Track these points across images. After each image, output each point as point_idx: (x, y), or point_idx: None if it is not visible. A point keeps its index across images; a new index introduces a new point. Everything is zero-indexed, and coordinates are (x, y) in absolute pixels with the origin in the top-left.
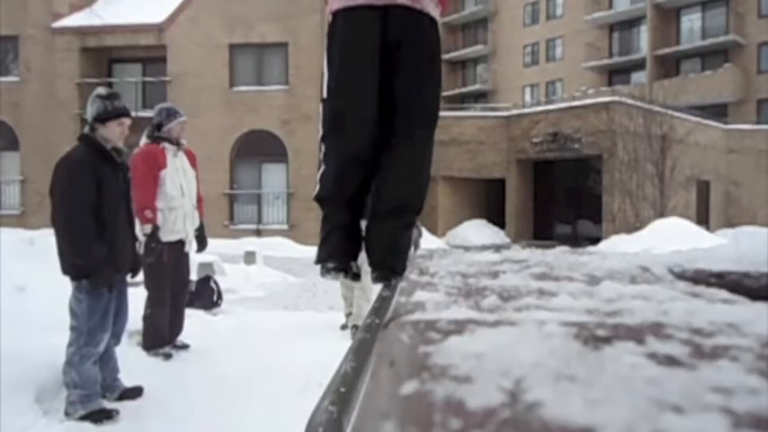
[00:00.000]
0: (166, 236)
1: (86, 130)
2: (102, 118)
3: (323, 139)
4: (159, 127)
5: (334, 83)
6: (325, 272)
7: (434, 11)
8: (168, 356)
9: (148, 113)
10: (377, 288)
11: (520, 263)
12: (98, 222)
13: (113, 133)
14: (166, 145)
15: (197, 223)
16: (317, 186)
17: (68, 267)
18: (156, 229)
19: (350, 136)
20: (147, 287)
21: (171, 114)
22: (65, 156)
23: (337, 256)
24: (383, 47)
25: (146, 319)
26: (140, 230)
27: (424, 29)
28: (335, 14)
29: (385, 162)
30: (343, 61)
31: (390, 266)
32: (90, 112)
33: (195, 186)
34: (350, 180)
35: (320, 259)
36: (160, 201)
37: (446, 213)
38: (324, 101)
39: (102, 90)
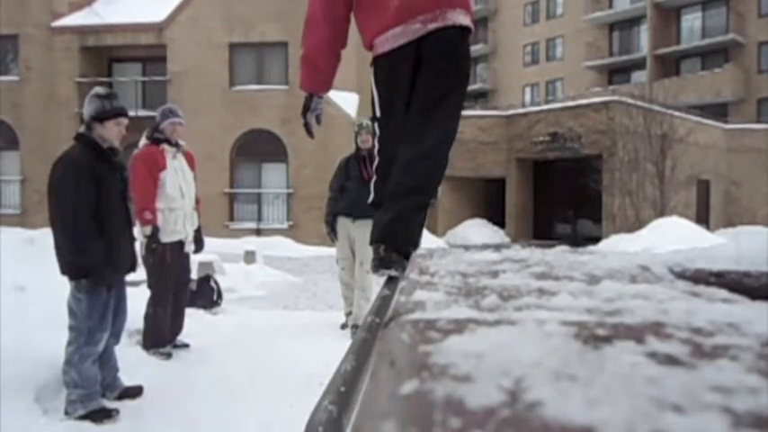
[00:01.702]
0: (166, 237)
1: (82, 129)
2: (101, 117)
3: (379, 152)
4: (157, 126)
5: (388, 104)
6: None
7: (464, 20)
8: (168, 356)
9: (148, 113)
10: (377, 287)
11: (520, 262)
12: (96, 221)
13: (111, 132)
14: (165, 146)
15: (196, 224)
16: (373, 194)
17: (67, 267)
18: (155, 230)
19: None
20: (150, 287)
21: (165, 115)
22: (62, 155)
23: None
24: (417, 70)
25: (147, 318)
26: (140, 232)
27: (454, 42)
28: (380, 56)
29: (401, 151)
30: (390, 89)
31: (392, 243)
32: (88, 110)
33: (194, 188)
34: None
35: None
36: (160, 202)
37: (446, 213)
38: (377, 119)
39: (100, 89)
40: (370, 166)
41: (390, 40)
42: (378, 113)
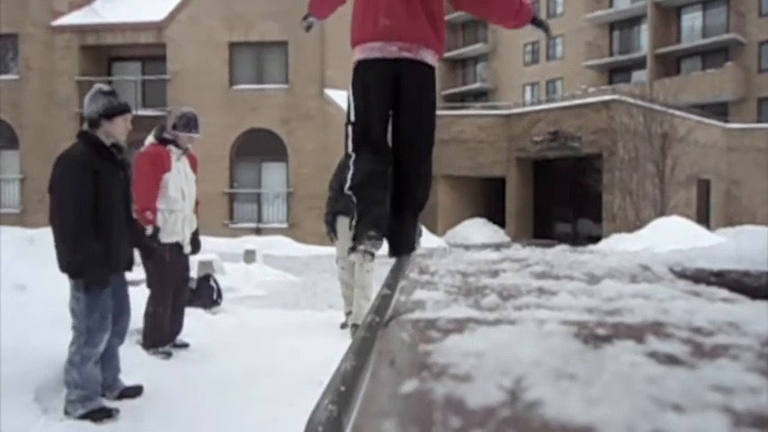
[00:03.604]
0: (165, 237)
1: (85, 127)
2: (109, 114)
3: (354, 150)
4: (173, 127)
5: (362, 112)
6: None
7: (431, 59)
8: (168, 355)
9: (148, 112)
10: (377, 286)
11: (520, 261)
12: (96, 220)
13: (119, 128)
14: (172, 148)
15: (194, 227)
16: (349, 181)
17: (65, 264)
18: (156, 230)
19: (373, 148)
20: (150, 286)
21: (188, 126)
22: (63, 153)
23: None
24: (392, 87)
25: (147, 317)
26: None
27: (423, 75)
28: (359, 62)
29: (398, 177)
30: (365, 98)
31: (402, 246)
32: (94, 108)
33: (195, 190)
34: (375, 177)
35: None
36: (161, 203)
37: (446, 212)
38: (352, 124)
39: (103, 86)
40: None
41: (367, 50)
42: (353, 118)
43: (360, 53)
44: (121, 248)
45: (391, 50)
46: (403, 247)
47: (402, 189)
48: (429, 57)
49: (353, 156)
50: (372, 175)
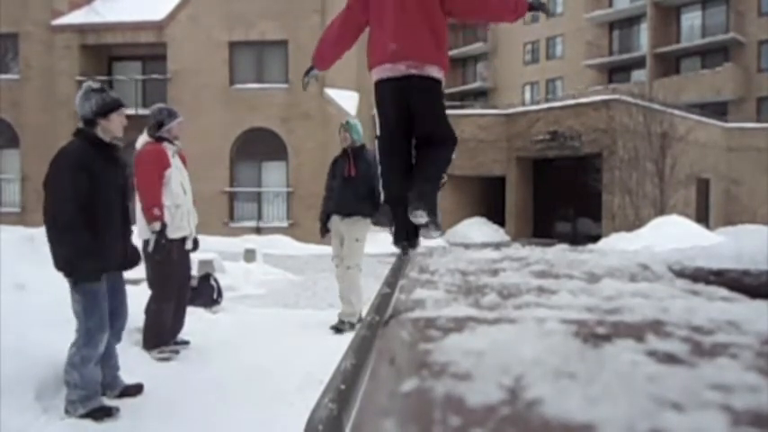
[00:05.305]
0: (173, 233)
1: (81, 125)
2: (104, 111)
3: (381, 163)
4: (160, 126)
5: (384, 126)
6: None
7: (437, 74)
8: (173, 353)
9: (148, 111)
10: (376, 286)
11: (520, 261)
12: (89, 215)
13: (116, 125)
14: (167, 144)
15: (197, 221)
16: (383, 194)
17: (58, 261)
18: (164, 226)
19: (397, 157)
20: (153, 284)
21: (171, 114)
22: (60, 150)
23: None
24: (406, 100)
25: (149, 314)
26: (148, 228)
27: (430, 88)
28: (376, 82)
29: (418, 164)
30: (384, 113)
31: (428, 204)
32: (87, 107)
33: (190, 185)
34: (398, 184)
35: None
36: (167, 198)
37: (446, 211)
38: (377, 138)
39: (94, 84)
40: (354, 162)
41: (380, 72)
42: (378, 132)
43: (375, 74)
44: (116, 246)
45: (400, 69)
46: (423, 203)
47: (422, 171)
48: (435, 71)
49: (381, 167)
50: (393, 187)
